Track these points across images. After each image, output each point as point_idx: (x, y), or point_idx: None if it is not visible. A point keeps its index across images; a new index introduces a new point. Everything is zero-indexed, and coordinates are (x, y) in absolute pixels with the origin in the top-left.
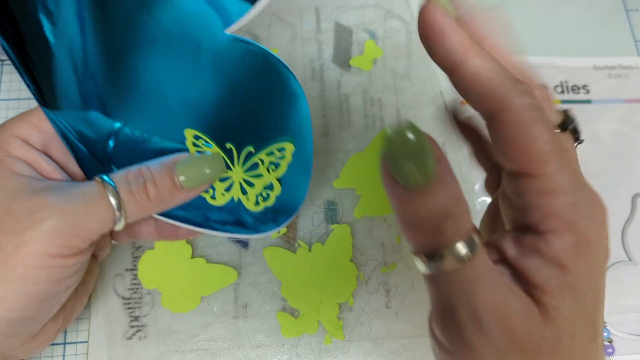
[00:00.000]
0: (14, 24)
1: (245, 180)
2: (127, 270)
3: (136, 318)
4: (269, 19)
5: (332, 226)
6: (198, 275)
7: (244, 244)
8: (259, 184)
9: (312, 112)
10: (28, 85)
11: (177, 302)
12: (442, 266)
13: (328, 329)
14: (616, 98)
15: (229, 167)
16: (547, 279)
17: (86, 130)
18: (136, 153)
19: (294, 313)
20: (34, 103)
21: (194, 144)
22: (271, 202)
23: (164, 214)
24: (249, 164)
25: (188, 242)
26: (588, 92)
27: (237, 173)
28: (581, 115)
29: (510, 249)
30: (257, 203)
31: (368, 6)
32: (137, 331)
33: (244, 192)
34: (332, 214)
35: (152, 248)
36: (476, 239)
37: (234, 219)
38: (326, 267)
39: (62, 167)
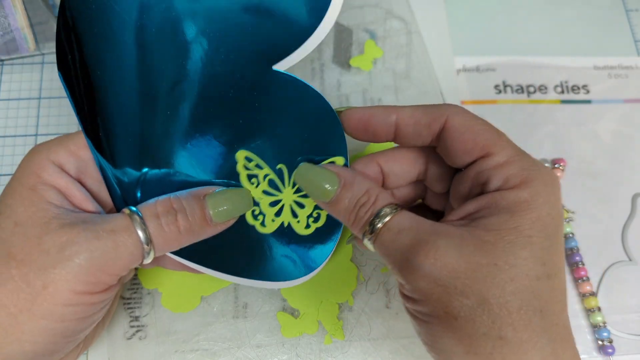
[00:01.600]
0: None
1: (296, 202)
2: None
3: (136, 318)
4: None
5: None
6: (198, 275)
7: None
8: (309, 204)
9: None
10: (78, 115)
11: (177, 302)
12: (374, 236)
13: (328, 329)
14: (616, 98)
15: (276, 190)
16: (494, 222)
17: (120, 175)
18: (163, 188)
19: (294, 313)
20: (34, 103)
21: (245, 167)
22: (321, 222)
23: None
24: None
25: None
26: (588, 92)
27: (288, 195)
28: (581, 115)
29: (470, 207)
30: (307, 226)
31: (368, 6)
32: (137, 331)
33: (294, 215)
34: None
35: None
36: (388, 208)
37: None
38: (326, 267)
39: (94, 196)
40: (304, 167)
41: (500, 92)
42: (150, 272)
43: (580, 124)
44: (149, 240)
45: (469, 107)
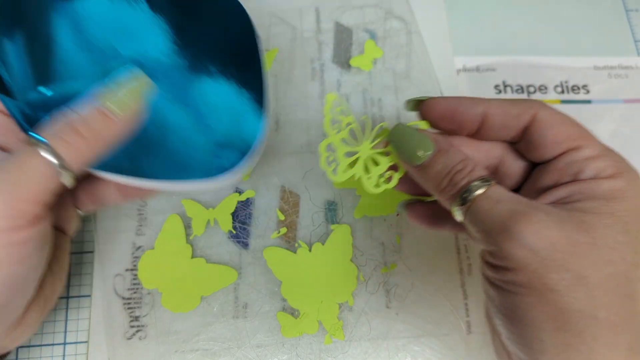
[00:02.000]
0: None
1: (372, 158)
2: (127, 270)
3: (136, 318)
4: (269, 19)
5: (332, 226)
6: (198, 275)
7: (245, 244)
8: (385, 163)
9: (312, 112)
10: None
11: (177, 302)
12: (468, 203)
13: (328, 329)
14: (616, 98)
15: (355, 141)
16: (590, 206)
17: (24, 107)
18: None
19: (294, 313)
20: None
21: (331, 110)
22: (392, 184)
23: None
24: (378, 140)
25: (188, 242)
26: (588, 92)
27: (366, 148)
28: (581, 116)
29: (562, 193)
30: (377, 185)
31: (368, 6)
32: (137, 331)
33: (367, 170)
34: (332, 214)
35: (152, 248)
36: (488, 178)
37: (176, 162)
38: (326, 267)
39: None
40: (400, 127)
41: (500, 92)
42: (151, 272)
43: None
44: (56, 156)
45: None
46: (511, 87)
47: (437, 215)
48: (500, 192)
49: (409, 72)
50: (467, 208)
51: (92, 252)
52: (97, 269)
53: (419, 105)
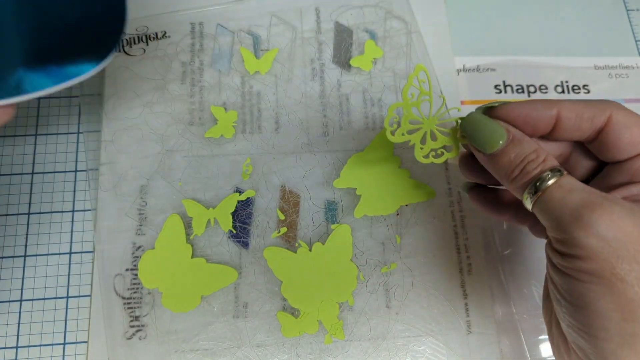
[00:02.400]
0: None
1: (432, 132)
2: (127, 270)
3: (136, 318)
4: (269, 19)
5: (332, 226)
6: (198, 275)
7: (245, 243)
8: (441, 140)
9: (312, 112)
10: None
11: (177, 302)
12: (540, 192)
13: (328, 328)
14: (616, 98)
15: (424, 114)
16: None
17: None
18: None
19: (294, 313)
20: (34, 102)
21: (415, 80)
22: (441, 160)
23: None
24: (443, 119)
25: (188, 242)
26: (588, 91)
27: (430, 123)
28: None
29: (634, 190)
30: (426, 156)
31: (368, 6)
32: (137, 331)
33: (423, 141)
34: (332, 214)
35: (153, 248)
36: (559, 168)
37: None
38: (326, 267)
39: None
40: (475, 114)
41: (500, 92)
42: (151, 272)
43: None
44: None
45: (469, 107)
46: (511, 87)
47: (499, 201)
48: (572, 182)
49: (409, 72)
50: (538, 197)
51: (92, 252)
52: (97, 269)
53: (489, 111)
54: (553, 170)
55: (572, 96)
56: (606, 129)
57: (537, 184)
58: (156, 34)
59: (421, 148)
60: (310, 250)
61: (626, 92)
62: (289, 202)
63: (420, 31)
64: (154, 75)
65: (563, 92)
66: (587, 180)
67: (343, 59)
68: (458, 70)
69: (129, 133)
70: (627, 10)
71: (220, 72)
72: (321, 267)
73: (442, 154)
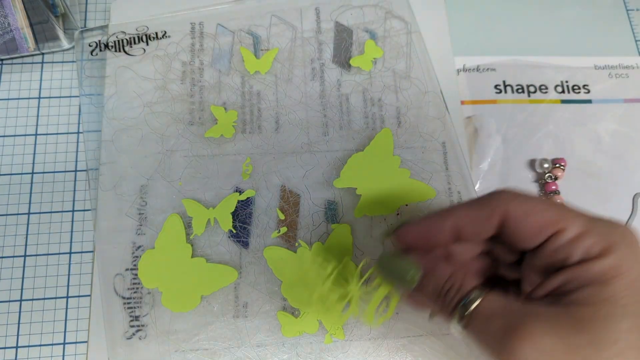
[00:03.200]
0: None
1: (364, 295)
2: (127, 270)
3: (136, 318)
4: (269, 19)
5: (333, 226)
6: (198, 274)
7: (245, 243)
8: (377, 297)
9: (312, 112)
10: None
11: (177, 302)
12: (464, 321)
13: (328, 328)
14: (616, 98)
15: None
16: (585, 296)
17: None
18: None
19: (294, 312)
20: (34, 102)
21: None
22: (390, 314)
23: None
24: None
25: (188, 241)
26: (588, 91)
27: (355, 290)
28: (581, 115)
29: (555, 282)
30: (376, 320)
31: (368, 6)
32: (137, 331)
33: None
34: (332, 214)
35: (153, 248)
36: (475, 291)
37: None
38: (326, 266)
39: None
40: (384, 257)
41: (500, 92)
42: (151, 271)
43: (581, 123)
44: None
45: (469, 107)
46: (511, 86)
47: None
48: (492, 305)
49: (409, 72)
50: (463, 326)
51: (92, 252)
52: (97, 269)
53: (391, 234)
54: (470, 293)
55: (573, 96)
56: (506, 224)
57: (460, 312)
58: (156, 33)
59: (366, 314)
60: (310, 250)
61: (626, 92)
62: (289, 201)
63: (420, 31)
64: (154, 75)
65: (563, 92)
66: (520, 259)
67: (343, 59)
68: (458, 70)
69: (129, 133)
70: (628, 10)
71: (220, 72)
72: (321, 267)
73: (388, 306)
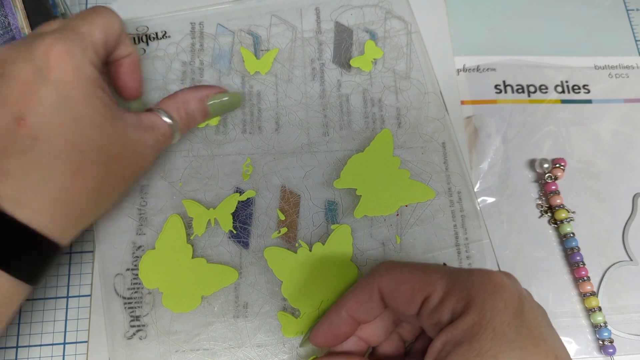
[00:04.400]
0: None
1: None
2: (127, 270)
3: (136, 318)
4: (269, 19)
5: (333, 226)
6: (198, 275)
7: (245, 244)
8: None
9: (312, 113)
10: None
11: (178, 302)
12: None
13: None
14: (616, 98)
15: None
16: (459, 356)
17: None
18: None
19: (294, 313)
20: None
21: None
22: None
23: None
24: None
25: (189, 242)
26: (588, 91)
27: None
28: (582, 115)
29: (435, 347)
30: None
31: (368, 6)
32: (138, 331)
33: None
34: (332, 214)
35: (153, 248)
36: None
37: None
38: (326, 267)
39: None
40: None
41: (500, 92)
42: (151, 272)
43: (581, 123)
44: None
45: (469, 107)
46: (511, 86)
47: None
48: None
49: (409, 72)
50: None
51: (92, 252)
52: (97, 269)
53: (306, 341)
54: None
55: (573, 96)
56: (385, 298)
57: None
58: (156, 33)
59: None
60: (310, 250)
61: (626, 92)
62: (289, 202)
63: (420, 31)
64: (155, 75)
65: (563, 92)
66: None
67: (343, 59)
68: (458, 70)
69: None
70: (627, 10)
71: (220, 72)
72: (321, 267)
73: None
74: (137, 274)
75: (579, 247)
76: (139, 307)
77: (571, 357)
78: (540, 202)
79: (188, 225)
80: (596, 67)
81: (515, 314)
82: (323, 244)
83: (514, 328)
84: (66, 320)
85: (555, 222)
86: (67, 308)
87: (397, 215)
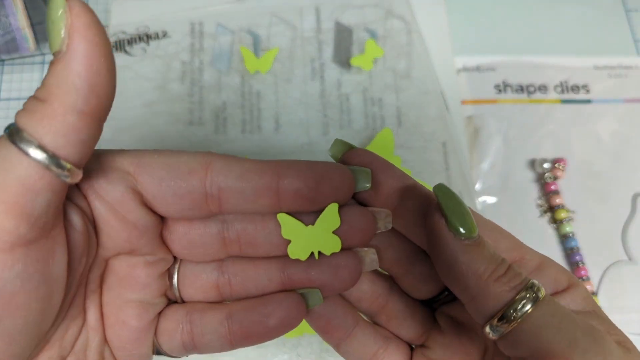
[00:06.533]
0: None
1: None
2: None
3: None
4: (269, 18)
5: None
6: None
7: None
8: None
9: (312, 112)
10: None
11: None
12: (513, 322)
13: None
14: (616, 98)
15: None
16: None
17: None
18: None
19: None
20: None
21: None
22: None
23: None
24: None
25: None
26: (588, 91)
27: None
28: (581, 115)
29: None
30: None
31: (368, 6)
32: None
33: None
34: None
35: None
36: (536, 282)
37: None
38: None
39: None
40: (445, 188)
41: (500, 91)
42: None
43: (580, 124)
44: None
45: (469, 107)
46: (511, 86)
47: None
48: (551, 309)
49: (410, 71)
50: (508, 328)
51: None
52: None
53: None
54: (529, 284)
55: (573, 96)
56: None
57: (511, 311)
58: (157, 33)
59: None
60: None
61: (626, 92)
62: None
63: (421, 31)
64: (154, 74)
65: (563, 92)
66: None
67: (343, 59)
68: (458, 70)
69: (129, 133)
70: (627, 11)
71: (220, 71)
72: None
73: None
74: None
75: (578, 247)
76: None
77: None
78: (540, 202)
79: None
80: (596, 67)
81: None
82: None
83: None
84: None
85: (555, 222)
86: None
87: None
